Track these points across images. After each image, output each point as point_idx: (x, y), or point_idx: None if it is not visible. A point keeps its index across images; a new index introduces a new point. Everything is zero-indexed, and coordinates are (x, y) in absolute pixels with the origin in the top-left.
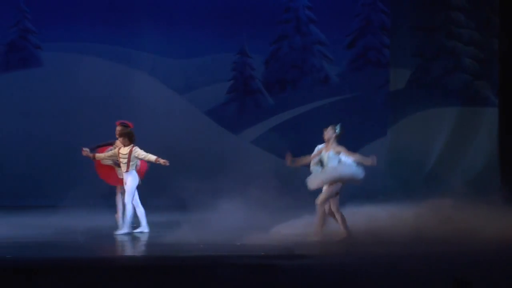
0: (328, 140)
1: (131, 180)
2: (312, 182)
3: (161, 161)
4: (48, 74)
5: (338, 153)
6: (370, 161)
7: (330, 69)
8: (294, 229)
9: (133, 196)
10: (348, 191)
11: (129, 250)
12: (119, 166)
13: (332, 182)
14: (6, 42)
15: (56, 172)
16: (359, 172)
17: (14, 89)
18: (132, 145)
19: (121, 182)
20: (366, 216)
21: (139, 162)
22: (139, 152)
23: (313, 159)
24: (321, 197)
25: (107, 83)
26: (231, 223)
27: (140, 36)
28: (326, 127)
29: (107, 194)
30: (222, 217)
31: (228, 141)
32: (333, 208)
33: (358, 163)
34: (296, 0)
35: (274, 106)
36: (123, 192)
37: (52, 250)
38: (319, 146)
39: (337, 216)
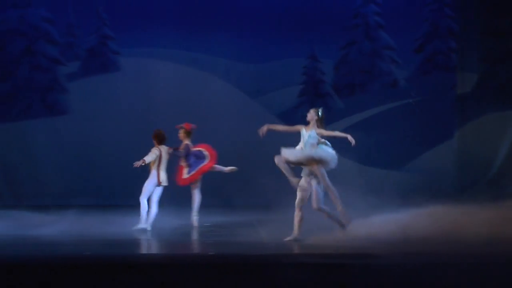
0: (310, 121)
1: (148, 180)
2: (287, 152)
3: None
4: (125, 78)
5: (320, 133)
6: (348, 137)
7: (398, 73)
8: (364, 228)
9: (148, 194)
10: (415, 191)
11: (208, 248)
12: (187, 166)
13: (305, 162)
14: (86, 48)
15: (132, 172)
16: (333, 158)
17: (94, 92)
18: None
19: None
20: (434, 216)
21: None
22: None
23: (289, 130)
24: (313, 201)
25: (182, 87)
26: (306, 222)
27: (214, 42)
28: (395, 129)
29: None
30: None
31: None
32: (297, 203)
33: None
34: (365, 6)
35: (343, 109)
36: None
37: (135, 248)
38: (300, 126)
39: (296, 212)
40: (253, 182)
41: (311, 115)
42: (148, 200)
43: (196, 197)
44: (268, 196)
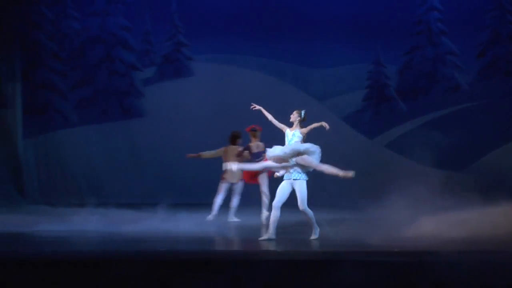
0: (293, 122)
1: None
2: (275, 151)
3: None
4: (198, 83)
5: (303, 133)
6: (323, 123)
7: (460, 77)
8: (431, 227)
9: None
10: (476, 192)
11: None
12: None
13: (291, 156)
14: (162, 54)
15: (206, 173)
16: (317, 150)
17: (168, 96)
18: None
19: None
20: (502, 215)
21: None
22: None
23: (274, 123)
24: (299, 201)
25: (252, 91)
26: (368, 222)
27: (283, 48)
28: (457, 132)
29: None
30: (361, 217)
31: (364, 145)
32: (275, 203)
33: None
34: (428, 14)
35: (407, 113)
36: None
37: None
38: (285, 127)
39: (273, 211)
40: (315, 182)
41: (294, 116)
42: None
43: (264, 195)
44: (328, 196)
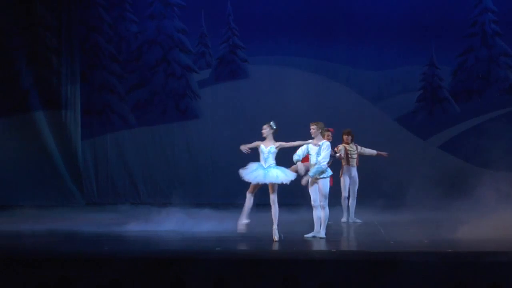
0: (266, 136)
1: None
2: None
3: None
4: (253, 85)
5: (277, 147)
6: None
7: None
8: (483, 229)
9: None
10: None
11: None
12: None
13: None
14: (217, 57)
15: None
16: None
17: (223, 98)
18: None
19: None
20: None
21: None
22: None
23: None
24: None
25: (306, 93)
26: (422, 223)
27: (337, 49)
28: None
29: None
30: (415, 218)
31: (417, 146)
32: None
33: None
34: (483, 15)
35: (460, 114)
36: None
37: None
38: (258, 142)
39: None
40: (368, 183)
41: (266, 130)
42: None
43: None
44: (380, 197)
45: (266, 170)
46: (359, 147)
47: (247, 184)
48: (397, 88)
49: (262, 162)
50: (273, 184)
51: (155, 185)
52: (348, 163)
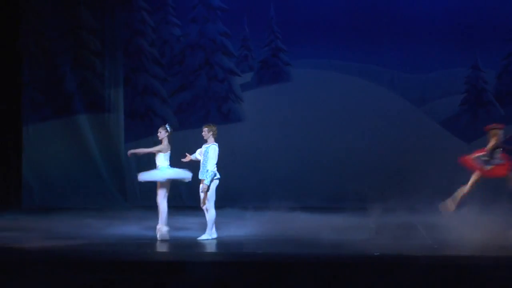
0: (162, 139)
1: None
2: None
3: None
4: (296, 88)
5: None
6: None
7: None
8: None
9: None
10: None
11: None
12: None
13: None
14: (260, 60)
15: (307, 175)
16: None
17: (266, 102)
18: None
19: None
20: None
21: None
22: None
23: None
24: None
25: (350, 96)
26: (464, 226)
27: (380, 52)
28: None
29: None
30: (457, 221)
31: (461, 149)
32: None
33: None
34: None
35: (504, 117)
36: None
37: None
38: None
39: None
40: (410, 185)
41: (161, 134)
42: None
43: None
44: (423, 200)
45: (161, 169)
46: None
47: (289, 186)
48: (441, 91)
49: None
50: (164, 183)
51: (197, 188)
52: None
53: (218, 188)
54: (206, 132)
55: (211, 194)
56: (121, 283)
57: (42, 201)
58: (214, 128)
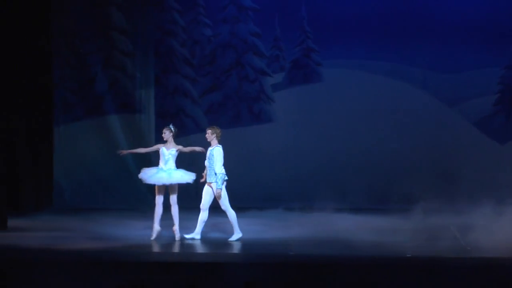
0: (167, 140)
1: None
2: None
3: None
4: (327, 89)
5: (179, 150)
6: (200, 149)
7: None
8: None
9: None
10: None
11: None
12: None
13: None
14: (291, 60)
15: (340, 176)
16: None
17: (297, 102)
18: None
19: None
20: None
21: None
22: None
23: (147, 150)
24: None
25: (381, 97)
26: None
27: (412, 52)
28: None
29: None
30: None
31: (494, 150)
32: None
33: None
34: None
35: None
36: None
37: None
38: (159, 145)
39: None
40: (447, 186)
41: (166, 134)
42: None
43: None
44: (460, 201)
45: (168, 172)
46: None
47: (326, 187)
48: (474, 91)
49: (161, 164)
50: (174, 185)
51: (228, 188)
52: None
53: (255, 190)
54: (210, 134)
55: (224, 196)
56: (154, 284)
57: (73, 202)
58: (218, 131)
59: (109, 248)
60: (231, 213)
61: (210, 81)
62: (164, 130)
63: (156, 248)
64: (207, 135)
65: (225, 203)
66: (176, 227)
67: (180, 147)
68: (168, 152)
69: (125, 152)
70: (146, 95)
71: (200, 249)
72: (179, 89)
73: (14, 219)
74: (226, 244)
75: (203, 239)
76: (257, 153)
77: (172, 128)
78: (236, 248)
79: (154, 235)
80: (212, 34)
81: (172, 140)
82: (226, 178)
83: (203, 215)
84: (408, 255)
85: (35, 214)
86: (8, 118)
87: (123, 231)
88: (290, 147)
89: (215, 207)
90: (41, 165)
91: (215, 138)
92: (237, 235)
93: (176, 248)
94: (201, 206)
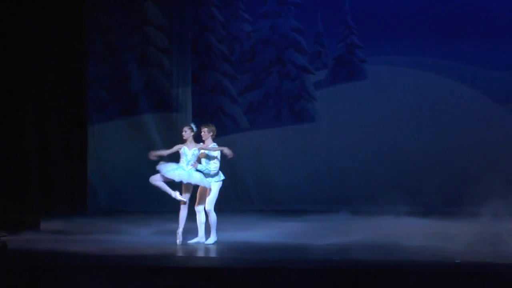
0: (187, 139)
1: None
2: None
3: None
4: (372, 86)
5: (200, 148)
6: (225, 150)
7: None
8: None
9: None
10: None
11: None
12: None
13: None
14: (334, 57)
15: (379, 178)
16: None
17: (341, 100)
18: None
19: None
20: None
21: None
22: None
23: (170, 151)
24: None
25: (428, 95)
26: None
27: (461, 48)
28: None
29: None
30: None
31: None
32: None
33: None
34: None
35: None
36: None
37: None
38: (179, 146)
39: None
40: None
41: (187, 133)
42: None
43: None
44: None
45: (188, 171)
46: None
47: (369, 188)
48: None
49: (183, 165)
50: (189, 187)
51: (268, 190)
52: None
53: (297, 191)
54: (206, 132)
55: (214, 196)
56: None
57: (107, 204)
58: (213, 129)
59: (145, 253)
60: (213, 216)
61: (249, 78)
62: (185, 129)
63: (196, 253)
64: (203, 133)
65: (211, 203)
66: (179, 230)
67: (200, 144)
68: (191, 152)
69: (153, 155)
70: (183, 94)
71: (238, 254)
72: (218, 87)
73: (48, 222)
74: (279, 248)
75: (236, 242)
76: (298, 154)
77: (194, 127)
78: (284, 253)
79: (179, 240)
80: (252, 30)
81: (192, 139)
82: (223, 178)
83: (200, 216)
84: (457, 261)
85: (71, 217)
86: (41, 119)
87: (156, 235)
88: (333, 147)
89: (219, 210)
90: (75, 166)
91: (210, 137)
92: (213, 238)
93: (213, 253)
94: (196, 208)
